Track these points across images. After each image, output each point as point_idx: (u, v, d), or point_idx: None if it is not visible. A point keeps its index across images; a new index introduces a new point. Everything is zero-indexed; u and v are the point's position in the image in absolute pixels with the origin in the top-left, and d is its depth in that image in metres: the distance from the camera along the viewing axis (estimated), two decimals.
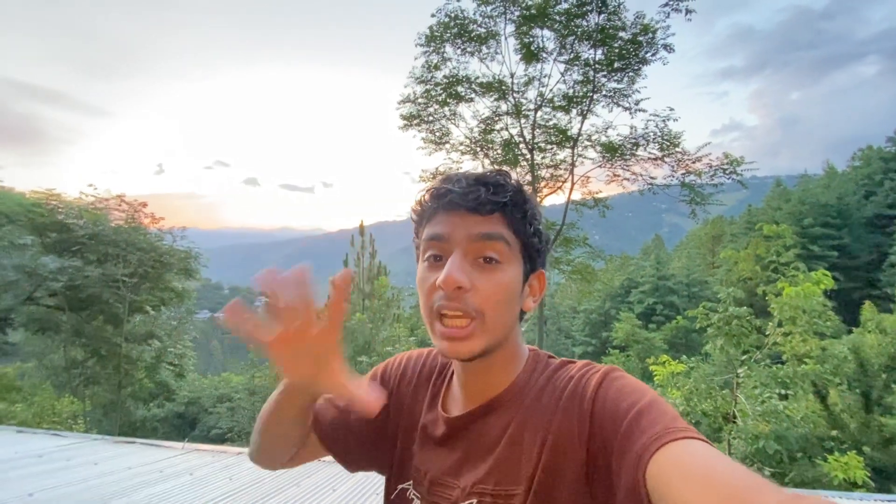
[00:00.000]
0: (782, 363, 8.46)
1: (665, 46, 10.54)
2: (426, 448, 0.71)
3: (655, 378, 8.41)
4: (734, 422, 7.64)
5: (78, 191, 12.60)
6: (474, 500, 0.61)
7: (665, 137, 11.27)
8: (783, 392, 7.82)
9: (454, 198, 0.62)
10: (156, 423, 15.82)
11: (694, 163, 11.24)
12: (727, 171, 10.72)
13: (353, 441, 0.77)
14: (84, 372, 12.17)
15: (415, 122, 12.83)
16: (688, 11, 9.80)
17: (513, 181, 0.64)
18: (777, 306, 7.80)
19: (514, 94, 12.19)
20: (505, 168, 0.70)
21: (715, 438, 10.95)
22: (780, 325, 7.94)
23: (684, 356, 9.33)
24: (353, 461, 0.79)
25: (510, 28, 11.40)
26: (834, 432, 8.33)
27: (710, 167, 10.96)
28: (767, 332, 8.18)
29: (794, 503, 0.36)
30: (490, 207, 0.61)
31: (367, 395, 0.59)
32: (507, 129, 12.80)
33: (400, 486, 0.72)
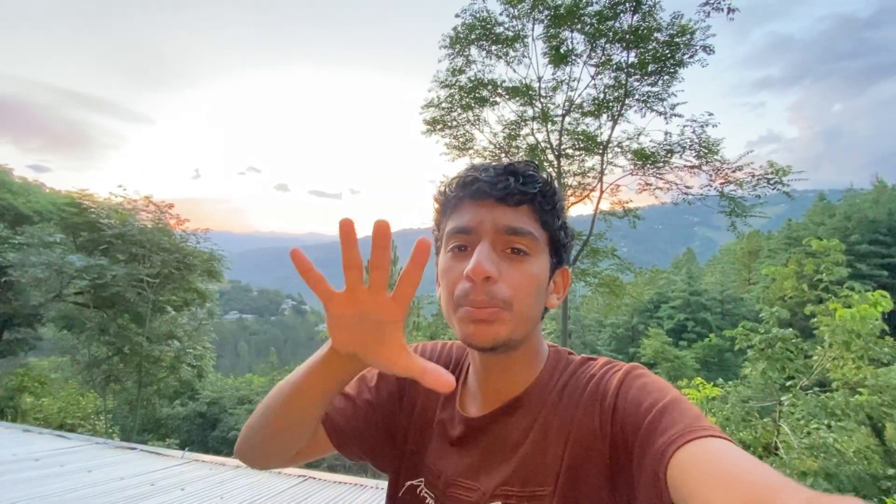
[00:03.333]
0: (830, 391, 7.76)
1: (704, 48, 9.97)
2: (440, 447, 0.68)
3: None
4: (776, 454, 7.03)
5: (107, 191, 12.89)
6: (499, 503, 0.59)
7: (703, 144, 10.63)
8: (830, 423, 7.16)
9: (482, 186, 0.60)
10: (178, 420, 15.96)
11: (734, 172, 10.54)
12: (772, 182, 9.97)
13: (360, 433, 0.72)
14: (108, 369, 12.35)
15: (438, 127, 12.56)
16: (730, 10, 9.20)
17: (542, 173, 0.63)
18: (828, 328, 7.13)
19: (542, 99, 11.77)
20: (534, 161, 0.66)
21: None
22: (829, 348, 7.27)
23: (720, 378, 8.70)
24: (354, 453, 0.73)
25: (538, 30, 11.01)
26: (891, 471, 7.55)
27: (753, 177, 10.22)
28: (814, 357, 7.52)
29: (817, 502, 0.34)
30: (518, 198, 0.60)
31: (435, 369, 0.49)
32: (532, 134, 12.36)
33: (409, 483, 0.69)
